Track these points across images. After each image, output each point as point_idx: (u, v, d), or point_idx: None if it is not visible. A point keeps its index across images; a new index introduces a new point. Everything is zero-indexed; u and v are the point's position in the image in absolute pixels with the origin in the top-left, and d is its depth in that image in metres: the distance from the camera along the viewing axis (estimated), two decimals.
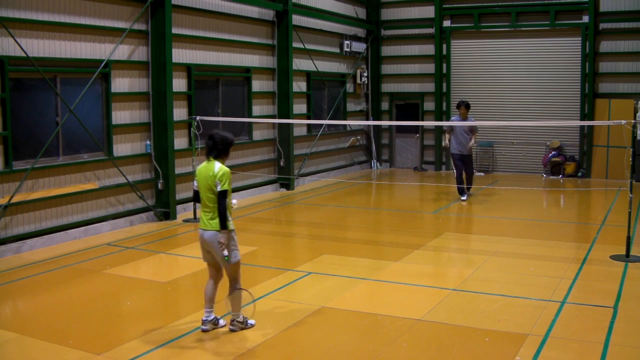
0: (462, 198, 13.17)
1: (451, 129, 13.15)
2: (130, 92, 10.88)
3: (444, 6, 17.86)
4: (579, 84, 16.45)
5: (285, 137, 14.75)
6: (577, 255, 8.75)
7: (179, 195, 11.73)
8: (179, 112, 11.86)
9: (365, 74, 18.56)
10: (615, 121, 9.27)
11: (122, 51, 10.66)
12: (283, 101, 14.73)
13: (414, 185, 15.67)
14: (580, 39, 16.35)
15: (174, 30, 11.49)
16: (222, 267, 6.12)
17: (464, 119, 13.05)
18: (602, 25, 16.16)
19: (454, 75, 18.02)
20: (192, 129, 11.42)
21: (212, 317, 6.13)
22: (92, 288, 7.61)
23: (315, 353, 5.71)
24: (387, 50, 18.97)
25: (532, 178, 16.47)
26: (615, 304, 6.75)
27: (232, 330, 6.07)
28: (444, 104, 18.09)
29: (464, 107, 13.04)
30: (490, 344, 5.78)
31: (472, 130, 13.03)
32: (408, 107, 18.89)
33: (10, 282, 7.77)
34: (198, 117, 11.34)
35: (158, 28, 11.01)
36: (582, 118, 16.35)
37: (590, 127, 16.24)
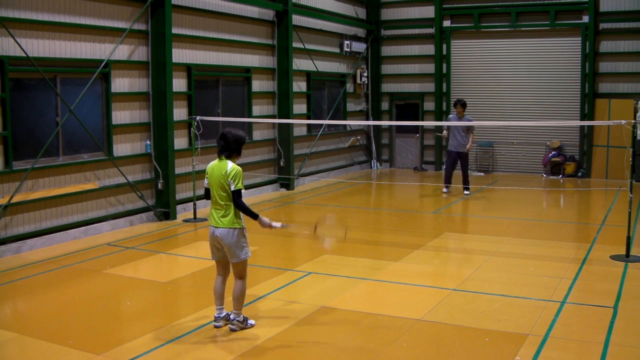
0: (444, 190, 13.81)
1: (448, 128, 13.43)
2: (130, 92, 10.88)
3: (444, 6, 17.87)
4: (579, 84, 16.45)
5: (285, 137, 14.75)
6: (577, 255, 8.75)
7: (179, 195, 11.74)
8: (179, 112, 11.86)
9: (365, 74, 18.56)
10: (615, 121, 9.27)
11: (122, 51, 10.67)
12: (283, 101, 14.74)
13: (414, 185, 15.67)
14: (580, 39, 16.35)
15: (174, 30, 11.49)
16: (230, 264, 6.13)
17: (461, 117, 13.33)
18: (602, 25, 16.17)
19: (454, 75, 18.02)
20: (192, 129, 11.42)
21: (224, 313, 6.18)
22: (92, 288, 7.61)
23: (315, 353, 5.71)
24: (387, 50, 18.97)
25: (532, 178, 16.47)
26: (615, 304, 6.75)
27: (232, 330, 6.07)
28: (444, 104, 18.08)
29: (460, 105, 13.37)
30: (490, 344, 5.78)
31: (469, 129, 13.28)
32: (408, 107, 18.89)
33: (10, 282, 7.77)
34: (198, 117, 11.34)
35: (158, 28, 11.01)
36: (582, 118, 16.36)
37: (590, 127, 16.24)
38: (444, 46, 18.00)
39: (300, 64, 15.55)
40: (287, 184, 14.80)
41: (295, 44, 15.09)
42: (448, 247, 9.71)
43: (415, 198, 14.13)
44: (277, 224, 6.02)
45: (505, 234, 10.19)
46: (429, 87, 18.34)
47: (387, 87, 19.08)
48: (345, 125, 17.75)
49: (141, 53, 11.05)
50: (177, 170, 11.65)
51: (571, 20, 16.50)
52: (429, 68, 18.27)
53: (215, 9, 12.75)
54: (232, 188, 5.84)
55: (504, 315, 6.44)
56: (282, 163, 14.75)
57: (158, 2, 10.93)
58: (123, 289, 7.59)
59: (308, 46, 15.83)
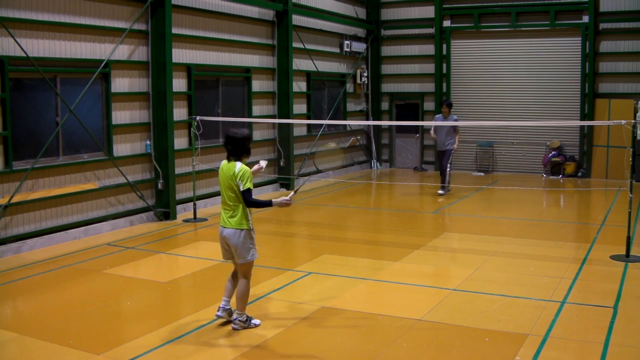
0: (439, 192, 13.86)
1: (435, 129, 13.78)
2: (130, 92, 10.88)
3: (444, 6, 17.86)
4: (579, 84, 16.45)
5: (285, 137, 14.75)
6: (577, 255, 8.75)
7: (179, 195, 11.74)
8: (179, 112, 11.86)
9: (365, 74, 18.56)
10: (615, 121, 9.26)
11: (122, 51, 10.67)
12: (283, 101, 14.74)
13: (414, 185, 15.67)
14: (580, 39, 16.35)
15: (174, 30, 11.49)
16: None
17: (446, 117, 13.58)
18: (602, 25, 16.17)
19: (454, 75, 18.02)
20: (192, 129, 11.42)
21: (229, 307, 6.24)
22: (92, 288, 7.61)
23: (315, 353, 5.70)
24: (387, 50, 18.97)
25: (532, 178, 16.47)
26: (615, 304, 6.75)
27: (234, 329, 6.07)
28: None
29: (446, 106, 13.66)
30: (490, 344, 5.78)
31: (455, 129, 13.51)
32: (408, 107, 18.89)
33: (10, 282, 7.77)
34: (198, 117, 11.34)
35: (158, 28, 11.01)
36: (582, 118, 16.36)
37: (590, 127, 16.24)
38: (444, 46, 18.00)
39: (300, 64, 15.55)
40: (287, 184, 14.81)
41: (295, 44, 15.09)
42: (448, 247, 9.71)
43: (415, 198, 14.13)
44: (289, 197, 6.00)
45: (505, 234, 10.19)
46: (429, 87, 18.34)
47: (387, 87, 19.08)
48: (345, 125, 17.75)
49: (141, 53, 11.05)
50: (177, 170, 11.65)
51: (571, 20, 16.50)
52: (429, 68, 18.27)
53: (215, 9, 12.75)
54: (242, 188, 5.86)
55: (504, 315, 6.44)
56: (282, 163, 14.75)
57: (158, 2, 10.93)
58: (123, 289, 7.59)
59: (308, 46, 15.83)
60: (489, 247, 9.34)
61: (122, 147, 10.79)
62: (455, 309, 6.66)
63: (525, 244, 9.50)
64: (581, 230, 11.05)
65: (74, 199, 9.92)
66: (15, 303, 7.22)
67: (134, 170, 11.04)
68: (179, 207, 11.65)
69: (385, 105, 19.17)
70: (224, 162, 6.07)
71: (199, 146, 11.49)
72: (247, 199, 5.89)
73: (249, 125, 13.78)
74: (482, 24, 17.48)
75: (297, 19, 15.28)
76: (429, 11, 18.11)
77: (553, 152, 16.70)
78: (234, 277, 6.25)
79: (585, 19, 16.25)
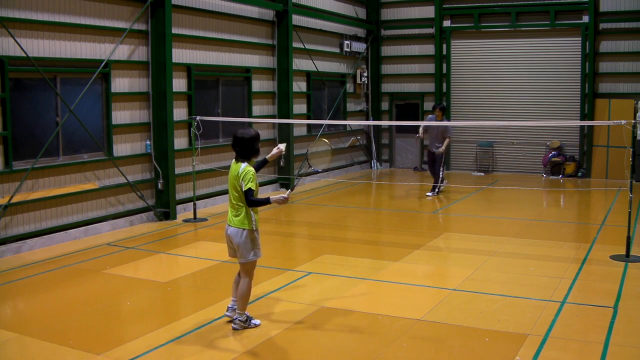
0: (427, 194, 13.78)
1: (425, 130, 13.66)
2: (130, 92, 10.88)
3: (444, 6, 17.86)
4: (579, 84, 16.45)
5: (285, 137, 14.75)
6: (577, 255, 8.75)
7: (179, 195, 11.74)
8: (179, 112, 11.86)
9: (365, 74, 18.56)
10: (615, 121, 9.26)
11: (122, 51, 10.67)
12: (283, 101, 14.74)
13: (414, 185, 15.67)
14: (580, 39, 16.35)
15: (174, 30, 11.49)
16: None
17: (439, 120, 13.43)
18: (602, 25, 16.17)
19: (454, 75, 18.02)
20: (192, 129, 11.42)
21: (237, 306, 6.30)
22: (92, 288, 7.61)
23: (315, 353, 5.71)
24: (387, 50, 18.97)
25: (532, 178, 16.47)
26: (615, 304, 6.75)
27: (234, 329, 6.08)
28: (444, 104, 18.05)
29: (439, 109, 13.51)
30: (490, 344, 5.78)
31: (445, 134, 13.37)
32: (408, 107, 18.89)
33: (10, 282, 7.77)
34: (198, 117, 11.34)
35: (158, 28, 11.01)
36: (582, 118, 16.36)
37: (590, 127, 16.24)
38: (444, 46, 18.00)
39: (300, 64, 15.55)
40: (287, 184, 14.81)
41: (295, 44, 15.09)
42: (448, 247, 9.71)
43: (415, 198, 14.12)
44: (287, 194, 6.00)
45: (505, 234, 10.19)
46: (429, 87, 18.34)
47: (387, 87, 19.08)
48: (345, 125, 17.75)
49: (141, 53, 11.05)
50: (177, 170, 11.65)
51: (571, 20, 16.50)
52: (429, 68, 18.27)
53: (215, 9, 12.75)
54: (244, 188, 5.89)
55: (504, 315, 6.44)
56: (282, 163, 14.75)
57: (158, 2, 10.93)
58: (123, 289, 7.59)
59: (308, 46, 15.83)
60: (489, 247, 9.34)
61: (122, 147, 10.79)
62: (455, 309, 6.66)
63: (525, 244, 9.50)
64: (581, 230, 11.05)
65: (74, 199, 9.93)
66: (15, 303, 7.22)
67: (134, 170, 11.04)
68: (179, 207, 11.65)
69: (385, 105, 19.17)
70: (233, 161, 6.11)
71: (199, 146, 11.49)
72: (247, 199, 5.91)
73: (249, 125, 13.77)
74: (482, 24, 17.48)
75: (297, 19, 15.28)
76: (429, 11, 18.11)
77: (553, 152, 16.70)
78: (240, 276, 6.27)
79: (585, 19, 16.25)
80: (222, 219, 11.27)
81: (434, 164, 13.72)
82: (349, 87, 18.19)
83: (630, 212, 8.60)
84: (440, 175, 13.77)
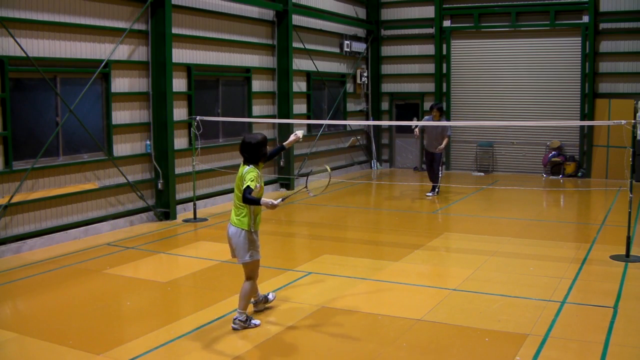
0: (427, 194, 13.73)
1: (422, 130, 13.63)
2: (130, 92, 10.88)
3: (444, 6, 17.86)
4: (579, 84, 16.45)
5: (285, 137, 14.68)
6: (577, 255, 8.75)
7: (179, 195, 11.74)
8: (179, 112, 11.86)
9: (365, 74, 18.56)
10: (615, 121, 9.26)
11: (122, 51, 10.67)
12: (283, 101, 14.74)
13: (414, 185, 15.67)
14: (580, 39, 16.35)
15: (174, 30, 11.49)
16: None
17: (436, 121, 13.37)
18: (602, 25, 16.17)
19: (454, 75, 18.02)
20: (192, 129, 11.42)
21: (261, 297, 6.51)
22: (92, 288, 7.61)
23: (315, 353, 5.71)
24: (387, 50, 18.98)
25: (532, 178, 16.47)
26: (615, 304, 6.75)
27: (233, 329, 6.08)
28: (444, 104, 18.07)
29: (437, 110, 13.40)
30: (490, 344, 5.78)
31: (444, 134, 13.36)
32: (408, 107, 18.89)
33: (10, 282, 7.77)
34: (198, 117, 11.34)
35: (158, 28, 11.01)
36: (582, 118, 16.36)
37: (590, 127, 16.24)
38: (444, 46, 18.00)
39: (300, 64, 15.55)
40: (287, 184, 14.81)
41: (295, 44, 15.09)
42: (448, 247, 9.71)
43: (415, 198, 14.12)
44: (277, 201, 5.96)
45: (505, 234, 10.19)
46: (429, 87, 18.34)
47: (387, 87, 19.09)
48: (345, 125, 17.75)
49: (141, 53, 11.05)
50: (177, 170, 11.65)
51: (571, 20, 16.50)
52: (429, 68, 18.27)
53: (215, 9, 12.75)
54: (243, 186, 5.91)
55: (504, 315, 6.44)
56: (282, 163, 14.75)
57: (158, 2, 10.93)
58: (123, 289, 7.59)
59: (308, 46, 15.83)
60: (489, 247, 9.34)
61: (122, 147, 10.79)
62: (455, 309, 6.66)
63: (525, 244, 9.50)
64: (581, 230, 11.05)
65: (74, 199, 9.92)
66: (15, 303, 7.22)
67: (134, 170, 11.04)
68: (179, 207, 11.65)
69: (385, 105, 19.17)
70: (241, 164, 6.17)
71: (199, 146, 11.49)
72: (244, 195, 5.89)
73: (249, 125, 13.78)
74: (482, 24, 17.48)
75: (297, 19, 15.28)
76: (429, 11, 18.11)
77: (553, 152, 16.70)
78: None
79: (585, 19, 16.25)
80: (222, 219, 11.28)
81: (432, 164, 13.69)
82: (349, 87, 18.19)
83: (630, 212, 8.60)
84: (440, 175, 13.78)
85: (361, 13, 18.57)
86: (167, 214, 11.32)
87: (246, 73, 13.81)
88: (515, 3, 17.05)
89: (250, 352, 5.66)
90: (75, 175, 9.96)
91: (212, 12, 12.69)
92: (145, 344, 5.79)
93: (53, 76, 9.55)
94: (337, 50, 17.45)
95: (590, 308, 6.66)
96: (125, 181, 10.71)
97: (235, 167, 12.55)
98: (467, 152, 18.01)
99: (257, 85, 14.22)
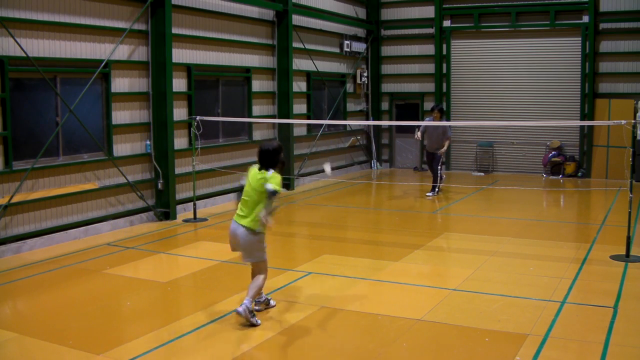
0: (427, 194, 13.77)
1: (423, 131, 13.65)
2: (130, 92, 10.88)
3: (444, 6, 17.86)
4: (579, 84, 16.45)
5: (285, 137, 14.74)
6: (577, 255, 8.75)
7: (179, 195, 11.74)
8: (179, 112, 11.86)
9: (365, 74, 18.56)
10: (615, 121, 9.26)
11: (122, 51, 10.67)
12: (283, 101, 14.74)
13: (414, 185, 15.67)
14: (580, 39, 16.35)
15: (174, 30, 11.49)
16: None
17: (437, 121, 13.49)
18: (602, 25, 16.17)
19: (454, 75, 18.02)
20: (192, 129, 11.42)
21: (264, 297, 6.59)
22: (92, 288, 7.61)
23: (315, 353, 5.71)
24: (387, 50, 18.97)
25: (532, 178, 16.47)
26: (615, 304, 6.75)
27: (237, 312, 6.09)
28: (444, 104, 18.08)
29: (438, 111, 13.51)
30: (490, 344, 5.78)
31: (445, 134, 13.43)
32: (408, 107, 18.89)
33: (10, 282, 7.77)
34: (198, 117, 11.34)
35: (158, 28, 11.01)
36: (582, 118, 16.36)
37: (590, 127, 16.24)
38: (444, 46, 18.00)
39: (300, 64, 15.55)
40: (287, 184, 14.80)
41: (295, 44, 15.09)
42: (448, 247, 9.71)
43: (415, 198, 14.12)
44: (269, 223, 6.09)
45: (505, 234, 10.19)
46: (429, 87, 18.34)
47: (387, 87, 19.08)
48: (345, 125, 17.75)
49: (141, 53, 11.05)
50: (177, 170, 11.64)
51: (571, 20, 16.50)
52: (429, 68, 18.27)
53: (215, 9, 12.75)
54: (271, 188, 6.04)
55: (504, 315, 6.44)
56: None
57: (158, 2, 10.93)
58: (123, 289, 7.59)
59: (308, 46, 15.83)
60: (489, 247, 9.34)
61: (122, 147, 10.79)
62: (455, 309, 6.66)
63: (525, 244, 9.50)
64: (581, 230, 11.05)
65: (74, 199, 9.92)
66: (15, 303, 7.22)
67: (134, 170, 11.04)
68: (179, 207, 11.65)
69: (385, 105, 19.17)
70: (254, 168, 6.28)
71: (199, 146, 11.49)
72: (270, 196, 6.06)
73: (249, 125, 13.78)
74: (482, 24, 17.47)
75: (297, 19, 15.28)
76: (429, 11, 18.11)
77: (553, 152, 16.70)
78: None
79: (585, 19, 16.25)
80: (222, 219, 11.28)
81: (433, 163, 13.77)
82: (349, 87, 18.19)
83: (630, 212, 8.60)
84: (439, 174, 13.78)
85: (361, 13, 18.57)
86: (167, 214, 11.32)
87: (246, 73, 13.81)
88: (515, 3, 17.05)
89: (250, 352, 5.66)
90: (75, 175, 9.96)
91: (212, 12, 12.69)
92: (145, 344, 5.79)
93: (53, 76, 9.55)
94: (337, 50, 17.45)
95: (590, 308, 6.66)
96: (125, 181, 10.71)
97: (236, 167, 12.64)
98: (467, 152, 18.01)
99: (257, 85, 14.22)
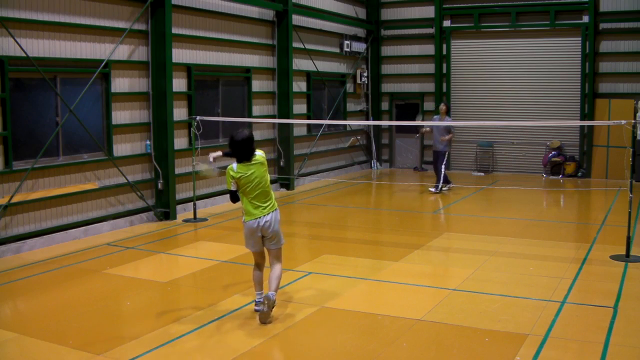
0: (430, 189, 14.17)
1: (431, 128, 14.17)
2: (130, 92, 10.88)
3: (444, 6, 17.86)
4: (579, 84, 16.45)
5: (285, 137, 14.75)
6: (577, 255, 8.75)
7: (179, 195, 11.74)
8: (179, 112, 11.86)
9: (365, 74, 18.56)
10: (615, 121, 9.26)
11: (122, 51, 10.66)
12: (283, 101, 14.74)
13: (414, 185, 15.67)
14: (580, 39, 16.35)
15: (174, 30, 11.49)
16: (265, 253, 6.55)
17: (443, 118, 13.86)
18: (602, 25, 16.17)
19: (454, 75, 18.02)
20: (192, 129, 11.42)
21: (263, 297, 6.55)
22: (92, 288, 7.61)
23: (315, 353, 5.71)
24: (387, 50, 18.97)
25: (532, 178, 16.47)
26: (615, 304, 6.75)
27: (267, 297, 6.20)
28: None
29: (444, 105, 14.04)
30: (490, 344, 5.78)
31: (448, 129, 13.85)
32: (408, 107, 18.89)
33: (10, 282, 7.78)
34: (198, 117, 11.34)
35: (158, 28, 11.01)
36: (582, 118, 16.36)
37: (590, 127, 16.24)
38: (444, 46, 18.00)
39: (300, 64, 15.55)
40: (287, 184, 14.80)
41: (295, 44, 15.09)
42: (448, 247, 9.71)
43: (415, 198, 14.13)
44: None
45: (505, 234, 10.19)
46: (429, 87, 18.34)
47: (387, 87, 19.08)
48: (345, 125, 17.75)
49: (141, 53, 11.05)
50: (177, 170, 11.64)
51: (571, 20, 16.50)
52: (429, 68, 18.27)
53: (215, 9, 12.75)
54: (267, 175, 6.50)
55: (504, 315, 6.44)
56: (282, 163, 14.75)
57: (158, 2, 10.93)
58: (123, 289, 7.59)
59: (308, 46, 15.83)
60: (489, 247, 9.34)
61: (122, 147, 10.79)
62: (455, 309, 6.66)
63: (525, 244, 9.50)
64: (581, 230, 11.05)
65: (74, 199, 9.92)
66: (15, 303, 7.22)
67: (134, 170, 11.04)
68: (179, 207, 11.65)
69: (385, 105, 19.17)
70: (240, 165, 6.58)
71: (199, 146, 11.49)
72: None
73: (249, 125, 13.78)
74: (482, 24, 17.47)
75: (297, 19, 15.28)
76: (429, 11, 18.11)
77: (553, 152, 16.70)
78: (260, 268, 6.54)
79: (585, 19, 16.25)
80: (222, 219, 11.29)
81: (437, 162, 13.98)
82: (349, 87, 18.19)
83: (630, 212, 8.60)
84: (442, 173, 13.83)
85: (361, 13, 18.57)
86: (167, 214, 11.32)
87: (246, 73, 13.81)
88: (515, 3, 17.05)
89: (250, 352, 5.66)
90: (75, 175, 9.96)
91: (212, 12, 12.69)
92: (145, 344, 5.79)
93: (53, 76, 9.55)
94: (337, 50, 17.45)
95: (590, 308, 6.66)
96: (125, 181, 10.71)
97: None
98: (467, 152, 18.01)
99: (257, 85, 14.22)
